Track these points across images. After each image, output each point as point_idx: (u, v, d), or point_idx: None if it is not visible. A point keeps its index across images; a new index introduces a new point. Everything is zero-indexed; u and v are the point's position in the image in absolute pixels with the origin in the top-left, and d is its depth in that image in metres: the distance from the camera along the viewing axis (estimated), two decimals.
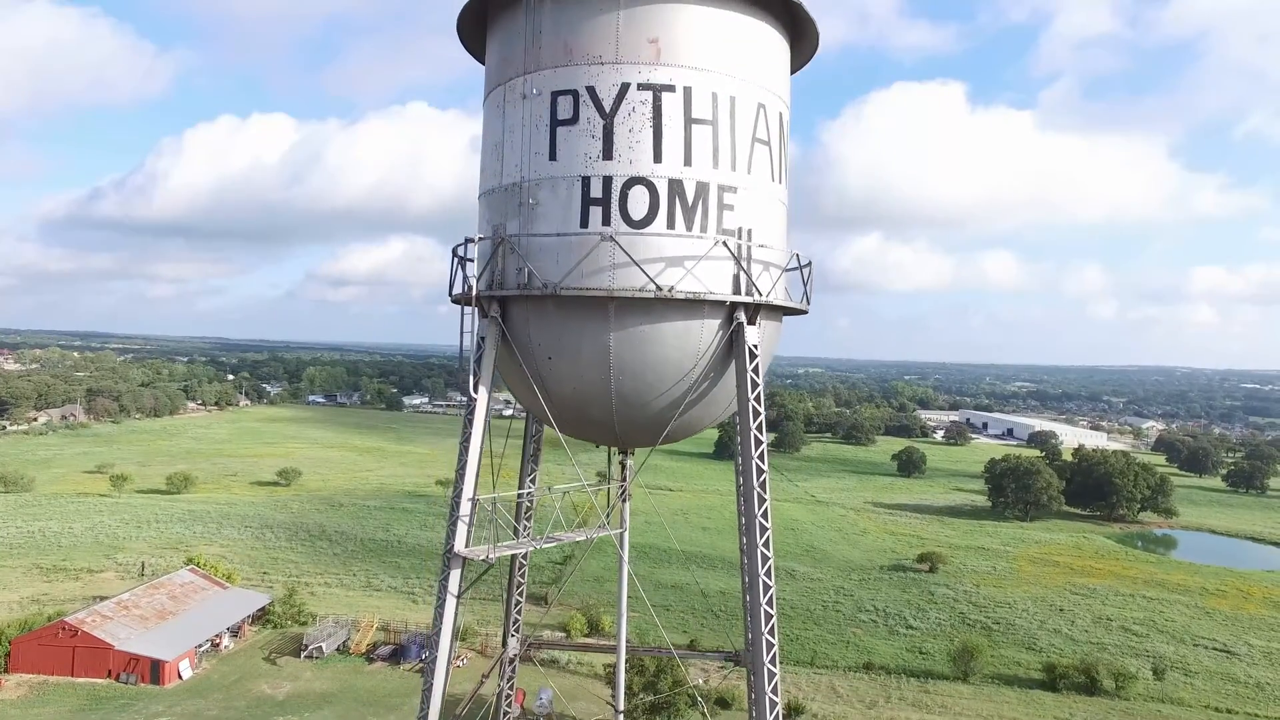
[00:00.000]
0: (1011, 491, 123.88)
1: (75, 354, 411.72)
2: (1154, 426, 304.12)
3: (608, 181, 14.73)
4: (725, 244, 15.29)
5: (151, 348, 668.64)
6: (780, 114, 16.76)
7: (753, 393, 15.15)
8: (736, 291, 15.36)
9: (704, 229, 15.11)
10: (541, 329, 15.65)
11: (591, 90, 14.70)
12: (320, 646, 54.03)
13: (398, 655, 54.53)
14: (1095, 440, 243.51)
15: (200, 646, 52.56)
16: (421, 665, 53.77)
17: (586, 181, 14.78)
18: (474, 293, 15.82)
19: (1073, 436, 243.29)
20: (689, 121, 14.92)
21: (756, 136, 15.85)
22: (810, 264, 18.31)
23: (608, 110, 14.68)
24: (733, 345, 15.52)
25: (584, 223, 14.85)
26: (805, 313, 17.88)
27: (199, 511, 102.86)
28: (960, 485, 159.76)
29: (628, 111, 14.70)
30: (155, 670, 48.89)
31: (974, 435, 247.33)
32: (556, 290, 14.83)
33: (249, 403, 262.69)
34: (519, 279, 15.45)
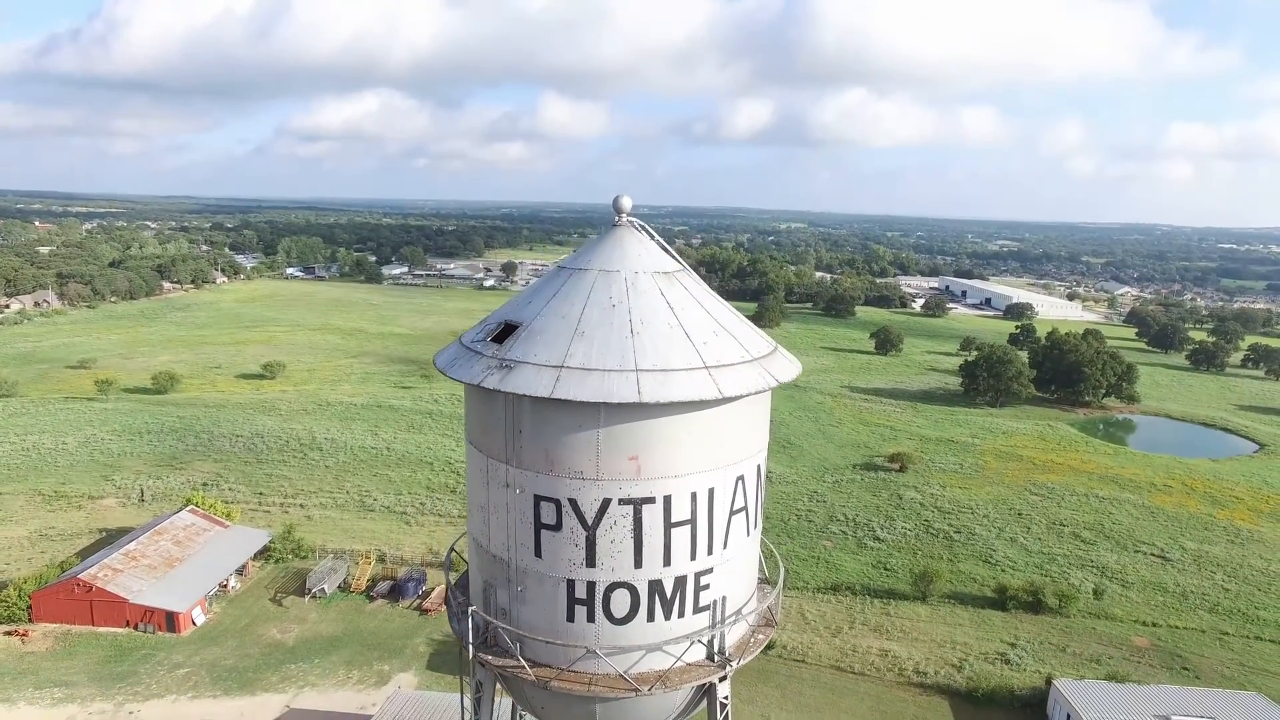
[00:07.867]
0: (984, 379, 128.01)
1: (36, 223, 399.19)
2: (1128, 293, 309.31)
3: (591, 585, 15.64)
4: (700, 641, 16.51)
5: (117, 210, 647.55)
6: (758, 466, 17.02)
7: None
8: (710, 659, 16.77)
9: (681, 614, 16.20)
10: (534, 692, 17.07)
11: (574, 503, 15.19)
12: (323, 589, 57.41)
13: (396, 592, 58.08)
14: (1070, 311, 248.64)
15: (209, 590, 55.71)
16: (418, 603, 57.52)
17: (571, 584, 15.71)
18: (471, 654, 17.07)
19: (1049, 307, 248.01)
20: (669, 527, 15.46)
21: (734, 509, 16.27)
22: (783, 573, 19.06)
23: (590, 522, 15.21)
24: (707, 699, 17.15)
25: (569, 616, 15.93)
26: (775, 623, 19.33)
27: (189, 419, 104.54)
28: (935, 364, 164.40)
29: (609, 525, 15.22)
30: (170, 620, 52.12)
31: (952, 305, 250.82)
32: (545, 686, 16.10)
33: (226, 280, 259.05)
34: (508, 647, 16.64)
